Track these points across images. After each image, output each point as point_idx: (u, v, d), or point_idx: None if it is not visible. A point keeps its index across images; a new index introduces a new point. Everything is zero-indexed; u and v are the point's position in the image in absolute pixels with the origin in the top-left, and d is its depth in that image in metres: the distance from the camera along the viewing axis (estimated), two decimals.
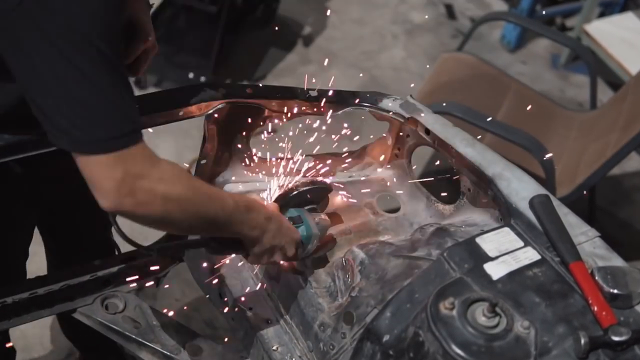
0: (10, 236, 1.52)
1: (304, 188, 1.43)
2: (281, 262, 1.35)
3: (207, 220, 1.16)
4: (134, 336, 1.54)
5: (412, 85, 3.40)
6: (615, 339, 1.10)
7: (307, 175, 1.56)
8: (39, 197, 1.52)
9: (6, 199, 1.41)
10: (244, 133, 1.55)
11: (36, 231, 2.55)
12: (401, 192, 1.64)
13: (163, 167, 1.08)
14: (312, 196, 1.45)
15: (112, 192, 1.03)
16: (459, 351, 1.08)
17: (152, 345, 1.53)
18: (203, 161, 1.54)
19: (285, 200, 1.40)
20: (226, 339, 1.65)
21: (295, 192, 1.42)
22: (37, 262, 2.52)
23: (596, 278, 1.18)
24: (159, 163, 1.08)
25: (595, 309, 1.15)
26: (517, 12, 3.51)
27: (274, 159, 1.59)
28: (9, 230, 1.50)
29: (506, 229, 1.28)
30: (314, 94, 1.57)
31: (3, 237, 1.49)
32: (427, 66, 3.47)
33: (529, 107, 2.65)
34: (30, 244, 1.63)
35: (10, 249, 1.56)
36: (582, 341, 1.09)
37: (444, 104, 2.35)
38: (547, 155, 2.23)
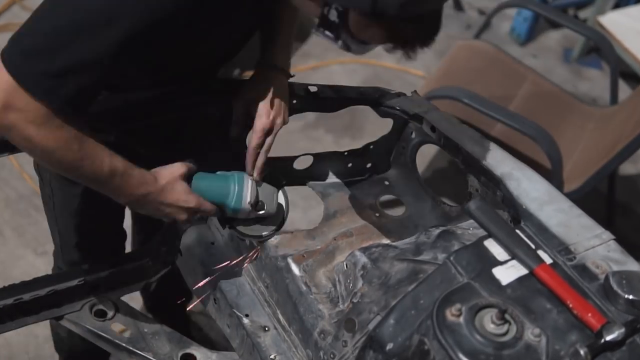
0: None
1: None
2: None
3: (73, 174, 1.27)
4: (124, 344, 1.54)
5: (417, 79, 3.40)
6: (610, 338, 1.10)
7: None
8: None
9: None
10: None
11: (20, 236, 2.54)
12: (405, 192, 1.64)
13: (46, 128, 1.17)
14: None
15: None
16: None
17: (144, 354, 1.53)
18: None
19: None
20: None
21: None
22: (22, 266, 2.53)
23: (610, 283, 1.18)
24: (45, 125, 1.16)
25: (579, 313, 1.13)
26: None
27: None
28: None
29: (516, 232, 1.28)
30: (313, 89, 1.57)
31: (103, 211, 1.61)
32: (433, 59, 3.47)
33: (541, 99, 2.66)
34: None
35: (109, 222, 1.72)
36: (582, 352, 1.09)
37: (450, 89, 2.36)
38: (554, 146, 2.24)
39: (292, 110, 1.53)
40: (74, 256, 1.74)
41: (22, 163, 2.84)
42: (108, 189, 1.29)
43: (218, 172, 1.45)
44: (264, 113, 1.45)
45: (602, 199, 2.90)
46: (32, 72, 1.13)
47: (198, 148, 1.60)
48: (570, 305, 1.15)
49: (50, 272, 1.62)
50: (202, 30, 1.29)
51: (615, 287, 1.18)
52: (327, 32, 1.23)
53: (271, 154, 1.63)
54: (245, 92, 1.48)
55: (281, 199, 1.49)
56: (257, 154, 1.46)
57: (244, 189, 1.42)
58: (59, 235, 1.75)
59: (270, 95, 1.46)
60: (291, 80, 1.53)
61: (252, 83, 1.49)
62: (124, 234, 1.81)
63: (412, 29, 1.19)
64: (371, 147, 1.67)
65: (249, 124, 1.47)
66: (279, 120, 1.47)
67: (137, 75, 1.38)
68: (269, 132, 1.46)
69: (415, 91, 1.65)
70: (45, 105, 1.15)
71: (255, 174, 1.45)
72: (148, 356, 1.53)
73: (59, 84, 1.15)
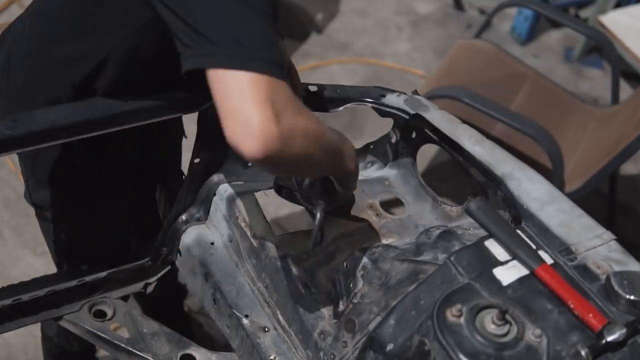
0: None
1: None
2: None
3: (333, 153, 1.14)
4: (123, 345, 1.54)
5: (418, 79, 3.40)
6: (611, 339, 1.10)
7: None
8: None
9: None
10: None
11: (19, 236, 2.54)
12: (406, 192, 1.64)
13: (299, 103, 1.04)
14: None
15: (257, 120, 0.93)
16: None
17: (143, 355, 1.53)
18: (197, 160, 1.54)
19: None
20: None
21: None
22: (21, 267, 2.53)
23: (611, 283, 1.18)
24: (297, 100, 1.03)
25: (580, 313, 1.13)
26: None
27: None
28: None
29: (517, 232, 1.28)
30: (313, 89, 1.57)
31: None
32: (433, 59, 3.47)
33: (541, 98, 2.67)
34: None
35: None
36: (583, 353, 1.09)
37: (451, 88, 2.36)
38: (555, 146, 2.25)
39: None
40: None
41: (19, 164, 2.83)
42: (341, 156, 1.19)
43: None
44: (298, 80, 1.47)
45: (604, 199, 2.90)
46: (273, 58, 0.98)
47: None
48: (571, 306, 1.15)
49: (48, 273, 1.62)
50: None
51: (616, 287, 1.18)
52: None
53: None
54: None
55: None
56: None
57: None
58: (58, 264, 1.77)
59: (289, 61, 1.48)
60: None
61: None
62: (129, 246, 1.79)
63: None
64: (371, 147, 1.67)
65: None
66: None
67: None
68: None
69: (415, 90, 1.65)
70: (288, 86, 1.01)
71: None
72: (147, 357, 1.53)
73: (281, 53, 1.03)
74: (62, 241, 1.69)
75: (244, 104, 0.93)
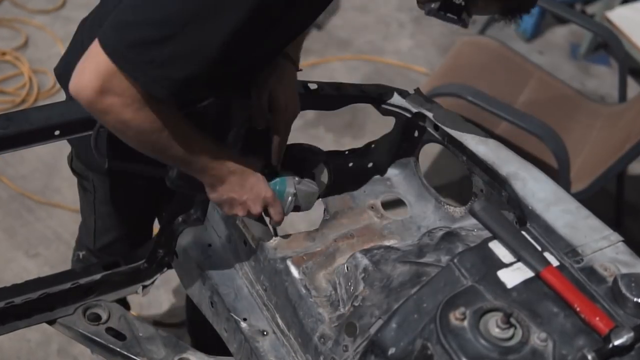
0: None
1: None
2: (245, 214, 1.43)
3: (163, 154, 1.28)
4: (118, 349, 1.54)
5: (420, 76, 3.40)
6: (619, 343, 1.10)
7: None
8: None
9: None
10: (237, 129, 1.55)
11: (11, 237, 2.53)
12: (408, 193, 1.64)
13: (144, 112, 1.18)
14: (303, 158, 1.53)
15: (88, 88, 1.15)
16: None
17: (138, 359, 1.53)
18: None
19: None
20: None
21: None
22: (13, 269, 2.53)
23: (619, 286, 1.18)
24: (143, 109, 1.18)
25: (587, 316, 1.14)
26: None
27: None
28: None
29: (522, 233, 1.28)
30: (313, 86, 1.57)
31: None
32: (436, 56, 3.47)
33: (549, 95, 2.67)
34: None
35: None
36: (590, 357, 1.09)
37: (454, 86, 2.37)
38: (561, 145, 2.25)
39: None
40: (109, 238, 1.81)
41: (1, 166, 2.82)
42: (193, 168, 1.32)
43: None
44: (283, 105, 1.47)
45: (611, 200, 2.90)
46: (138, 61, 1.13)
47: None
48: (578, 309, 1.15)
49: (42, 275, 1.62)
50: (284, 25, 1.28)
51: (624, 290, 1.18)
52: (450, 15, 1.32)
53: None
54: (264, 81, 1.47)
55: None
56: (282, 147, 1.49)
57: (287, 177, 1.47)
58: (95, 221, 1.80)
59: (286, 84, 1.47)
60: None
61: (268, 73, 1.47)
62: (154, 213, 1.86)
63: None
64: (373, 146, 1.67)
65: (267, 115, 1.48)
66: (296, 110, 1.49)
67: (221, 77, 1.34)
68: (288, 123, 1.48)
69: (418, 88, 1.65)
70: (146, 93, 1.16)
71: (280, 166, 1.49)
72: None
73: (165, 73, 1.15)
74: (101, 208, 1.74)
75: (87, 64, 1.15)
